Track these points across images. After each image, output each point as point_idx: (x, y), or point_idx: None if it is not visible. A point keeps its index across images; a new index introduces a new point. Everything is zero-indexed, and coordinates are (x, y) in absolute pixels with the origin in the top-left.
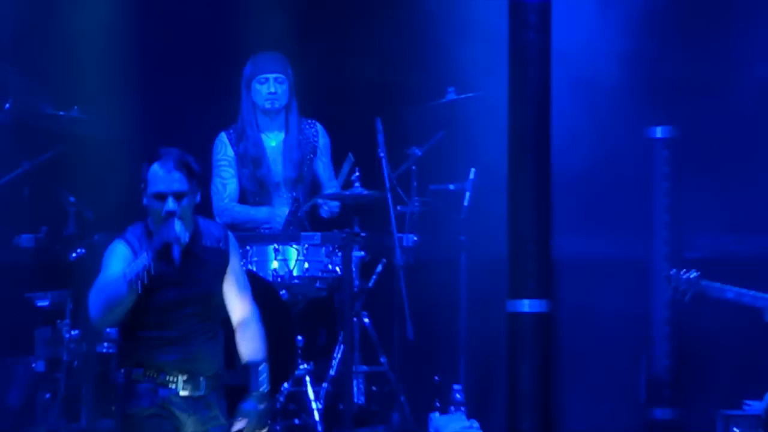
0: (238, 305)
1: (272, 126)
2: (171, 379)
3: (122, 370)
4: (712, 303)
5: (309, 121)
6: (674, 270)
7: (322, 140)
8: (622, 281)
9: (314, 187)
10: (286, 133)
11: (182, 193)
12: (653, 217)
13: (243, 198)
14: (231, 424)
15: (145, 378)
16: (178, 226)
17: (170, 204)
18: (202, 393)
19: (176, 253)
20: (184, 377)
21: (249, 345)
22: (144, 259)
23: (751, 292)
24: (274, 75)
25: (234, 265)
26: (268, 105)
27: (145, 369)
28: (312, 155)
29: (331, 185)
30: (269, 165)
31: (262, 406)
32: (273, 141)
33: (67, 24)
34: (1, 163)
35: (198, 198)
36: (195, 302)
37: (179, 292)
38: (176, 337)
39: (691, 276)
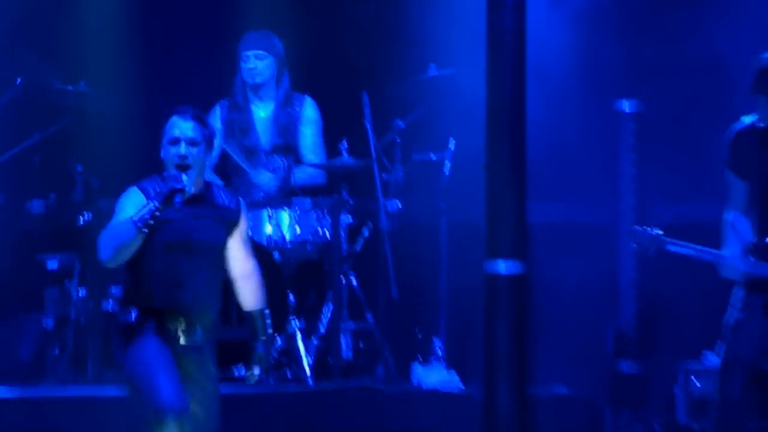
0: (241, 259)
1: (261, 98)
2: (171, 327)
3: (128, 311)
4: (673, 260)
5: (299, 94)
6: (639, 227)
7: (309, 112)
8: (591, 244)
9: (296, 157)
10: (277, 105)
11: (195, 141)
12: (620, 185)
13: (223, 167)
14: (223, 374)
15: (148, 321)
16: (185, 177)
17: (183, 148)
18: (198, 343)
19: (178, 199)
20: (183, 327)
21: (252, 294)
22: (152, 204)
23: (710, 250)
24: (254, 52)
25: (243, 227)
26: (249, 80)
27: (147, 312)
28: (297, 125)
29: (312, 155)
30: (258, 134)
31: (269, 344)
32: (262, 112)
33: (74, 2)
34: (14, 135)
35: (209, 156)
36: (199, 249)
37: (184, 236)
38: (179, 281)
39: (655, 232)
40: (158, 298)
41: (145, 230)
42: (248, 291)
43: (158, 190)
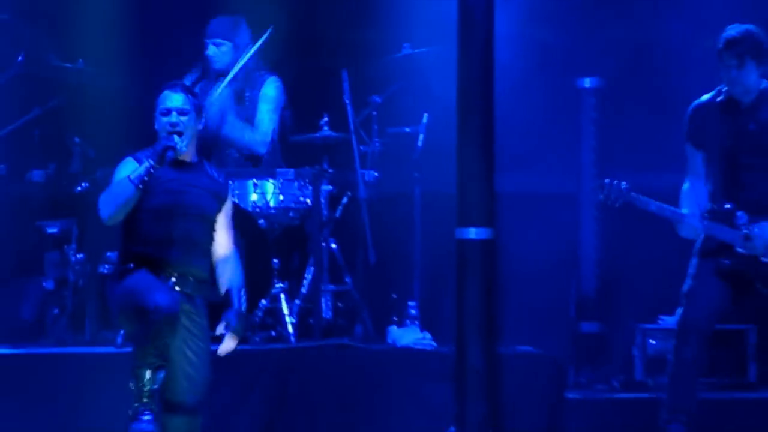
0: (223, 242)
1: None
2: (165, 275)
3: (124, 264)
4: (632, 229)
5: (262, 74)
6: (607, 179)
7: (267, 89)
8: (555, 212)
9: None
10: (241, 88)
11: (185, 111)
12: (582, 156)
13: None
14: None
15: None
16: (176, 138)
17: (174, 117)
18: (189, 290)
19: (170, 154)
20: (175, 276)
21: (229, 275)
22: (147, 162)
23: (671, 207)
24: (212, 39)
25: (228, 207)
26: (210, 65)
27: (141, 263)
28: (257, 103)
29: (258, 126)
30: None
31: (240, 317)
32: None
33: None
34: (15, 109)
35: (198, 125)
36: (190, 213)
37: (176, 200)
38: (172, 241)
39: (622, 186)
40: (152, 255)
41: (141, 187)
42: (225, 273)
43: (153, 149)
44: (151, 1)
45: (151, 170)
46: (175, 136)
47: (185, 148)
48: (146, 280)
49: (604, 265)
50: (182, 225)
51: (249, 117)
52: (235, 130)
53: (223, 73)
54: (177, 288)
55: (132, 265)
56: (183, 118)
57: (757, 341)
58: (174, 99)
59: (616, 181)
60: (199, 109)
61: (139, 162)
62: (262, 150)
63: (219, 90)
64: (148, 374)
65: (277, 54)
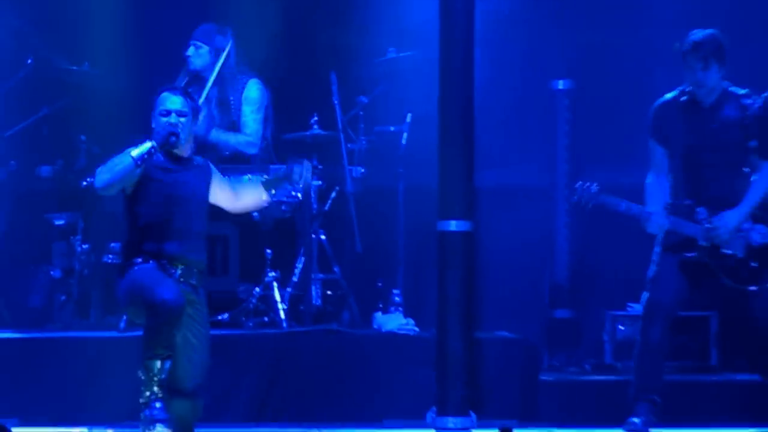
0: (229, 190)
1: (199, 83)
2: (172, 270)
3: (132, 258)
4: (602, 221)
5: (244, 77)
6: (579, 183)
7: (249, 91)
8: (530, 206)
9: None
10: (221, 90)
11: (183, 112)
12: (556, 153)
13: None
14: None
15: (149, 262)
16: (180, 126)
17: (173, 118)
18: (194, 282)
19: (173, 140)
20: (181, 269)
21: (254, 191)
22: (150, 143)
23: (637, 206)
24: (194, 42)
25: (217, 176)
26: (189, 66)
27: (147, 256)
28: (239, 105)
29: (245, 129)
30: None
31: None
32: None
33: None
34: (25, 109)
35: (194, 126)
36: (186, 202)
37: (174, 192)
38: (175, 230)
39: (593, 189)
40: (156, 248)
41: (140, 164)
42: (251, 193)
43: (154, 136)
44: (151, 7)
45: (152, 151)
46: (178, 125)
47: (183, 143)
48: (152, 274)
49: (576, 255)
50: (181, 215)
51: (234, 120)
52: (220, 137)
53: (198, 74)
54: (182, 279)
55: (140, 260)
56: (182, 119)
57: (719, 328)
58: (173, 101)
59: (587, 184)
60: (195, 111)
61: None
62: (253, 151)
63: (203, 96)
64: (157, 365)
65: (270, 57)
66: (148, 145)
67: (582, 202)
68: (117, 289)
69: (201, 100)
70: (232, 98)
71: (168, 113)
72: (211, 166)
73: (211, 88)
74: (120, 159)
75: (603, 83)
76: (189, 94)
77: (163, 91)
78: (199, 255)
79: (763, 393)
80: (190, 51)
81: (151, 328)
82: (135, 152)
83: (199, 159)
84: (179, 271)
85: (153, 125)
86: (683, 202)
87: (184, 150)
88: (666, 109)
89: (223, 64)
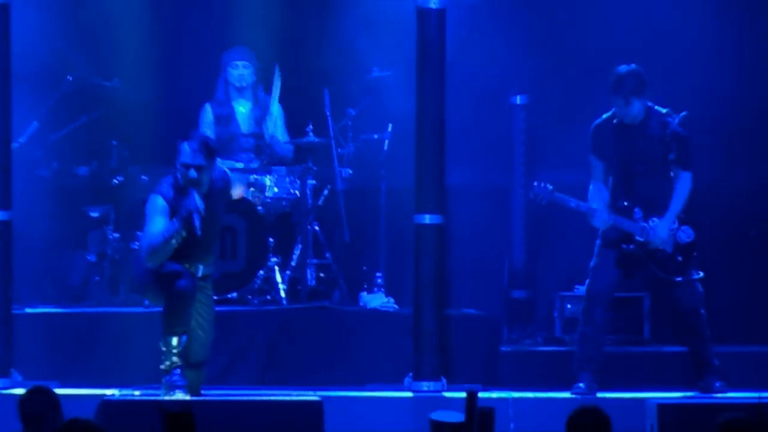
0: None
1: (242, 98)
2: (191, 268)
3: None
4: (553, 215)
5: (269, 97)
6: (536, 182)
7: (274, 109)
8: (492, 201)
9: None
10: (253, 103)
11: (201, 166)
12: (513, 158)
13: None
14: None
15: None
16: (198, 199)
17: (192, 173)
18: (210, 271)
19: (197, 220)
20: (194, 268)
21: None
22: (176, 226)
23: (586, 203)
24: (242, 62)
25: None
26: (237, 83)
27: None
28: (267, 118)
29: (282, 137)
30: (238, 123)
31: None
32: (242, 108)
33: (110, 16)
34: (67, 117)
35: (212, 168)
36: (205, 222)
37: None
38: (196, 243)
39: (548, 188)
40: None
41: (174, 243)
42: None
43: (180, 211)
44: (171, 32)
45: (182, 232)
46: (196, 196)
47: (203, 203)
48: (171, 267)
49: (530, 244)
50: (204, 238)
51: (260, 121)
52: (282, 150)
53: (242, 89)
54: (199, 274)
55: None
56: (201, 173)
57: (650, 306)
58: (192, 158)
59: (543, 184)
60: (213, 157)
61: (165, 198)
62: (292, 154)
63: (275, 107)
64: (175, 340)
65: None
66: (176, 228)
67: (538, 199)
68: (138, 276)
69: (274, 106)
70: (261, 114)
71: (188, 167)
72: (230, 178)
73: (253, 107)
74: (161, 246)
75: (554, 98)
76: (207, 144)
77: (183, 143)
78: (211, 255)
79: (688, 362)
80: (241, 71)
81: (169, 309)
82: (168, 235)
83: (219, 176)
84: (192, 269)
85: (177, 167)
86: (623, 203)
87: (204, 188)
88: (601, 129)
89: (259, 87)
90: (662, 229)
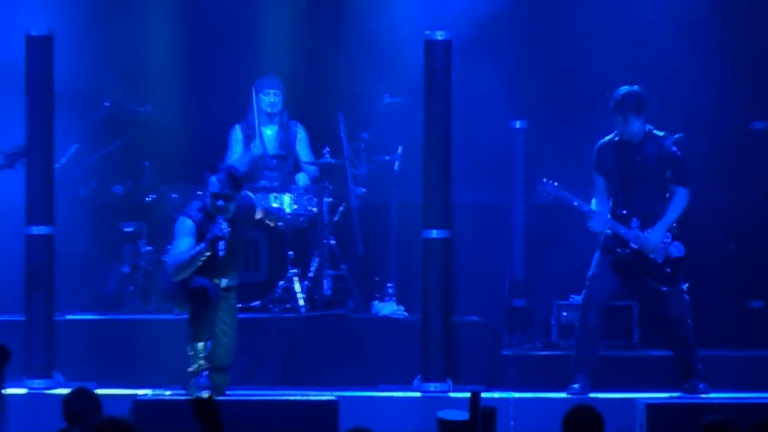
0: None
1: (270, 122)
2: (216, 281)
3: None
4: (552, 231)
5: (293, 122)
6: (544, 179)
7: (300, 134)
8: (494, 218)
9: (295, 161)
10: (279, 127)
11: (228, 196)
12: (514, 178)
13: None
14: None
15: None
16: (224, 225)
17: (220, 202)
18: (234, 283)
19: (221, 246)
20: (218, 281)
21: None
22: (202, 247)
23: (587, 205)
24: (274, 90)
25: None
26: (269, 110)
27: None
28: (294, 142)
29: (306, 158)
30: (265, 145)
31: None
32: (269, 131)
33: (143, 47)
34: (104, 140)
35: (238, 197)
36: (229, 244)
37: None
38: (221, 263)
39: (555, 184)
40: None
41: (198, 263)
42: None
43: (207, 235)
44: (201, 59)
45: (207, 252)
46: (223, 224)
47: (228, 229)
48: (196, 279)
49: (529, 257)
50: (228, 254)
51: (284, 143)
52: (309, 168)
53: (270, 116)
54: (223, 286)
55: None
56: (227, 202)
57: (639, 314)
58: (220, 188)
59: (550, 181)
60: (239, 187)
61: (193, 220)
62: (316, 174)
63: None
64: (201, 345)
65: (292, 103)
66: (201, 249)
67: (544, 194)
68: (167, 289)
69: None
70: (286, 137)
71: (217, 197)
72: (254, 203)
73: (278, 130)
74: (187, 263)
75: (551, 124)
76: (233, 175)
77: (211, 175)
78: (235, 269)
79: (674, 365)
80: (272, 98)
81: (195, 317)
82: (194, 256)
83: (244, 204)
84: (216, 281)
85: (207, 194)
86: (622, 212)
87: (230, 214)
88: (604, 148)
89: (284, 112)
90: (655, 236)
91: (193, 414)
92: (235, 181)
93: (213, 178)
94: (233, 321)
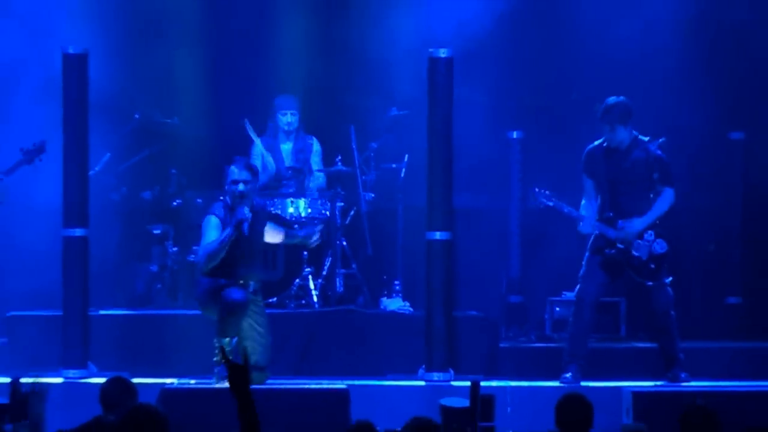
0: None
1: (287, 138)
2: (244, 285)
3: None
4: (545, 232)
5: (308, 135)
6: (536, 188)
7: (315, 146)
8: (492, 221)
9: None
10: (295, 142)
11: (248, 180)
12: (510, 184)
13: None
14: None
15: (231, 282)
16: (246, 210)
17: (241, 186)
18: (258, 286)
19: (245, 226)
20: (245, 283)
21: None
22: (228, 230)
23: (576, 211)
24: (291, 110)
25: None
26: (286, 128)
27: (230, 278)
28: (308, 155)
29: (318, 172)
30: (282, 158)
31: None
32: (286, 146)
33: (169, 64)
34: (134, 149)
35: (257, 184)
36: (251, 242)
37: (248, 241)
38: (244, 258)
39: (547, 193)
40: (229, 270)
41: (226, 247)
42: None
43: (232, 221)
44: (223, 75)
45: (232, 236)
46: (245, 209)
47: (249, 213)
48: (233, 294)
49: (525, 257)
50: (248, 250)
51: (299, 157)
52: (318, 179)
53: (287, 133)
54: (250, 289)
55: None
56: (247, 186)
57: (626, 309)
58: (240, 175)
59: (543, 190)
60: (257, 175)
61: (219, 217)
62: (324, 183)
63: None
64: (226, 341)
65: (307, 116)
66: (227, 233)
67: (537, 201)
68: (198, 296)
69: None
70: (302, 150)
71: (237, 183)
72: (265, 203)
73: (294, 144)
74: (218, 250)
75: (545, 134)
76: (251, 165)
77: (232, 166)
78: (258, 273)
79: (658, 356)
80: (290, 118)
81: (223, 317)
82: (222, 238)
83: (257, 205)
84: (245, 284)
85: (226, 188)
86: (608, 214)
87: (249, 201)
88: (593, 153)
89: (300, 128)
90: (636, 223)
91: (228, 380)
92: (252, 168)
93: (232, 167)
94: (265, 321)
